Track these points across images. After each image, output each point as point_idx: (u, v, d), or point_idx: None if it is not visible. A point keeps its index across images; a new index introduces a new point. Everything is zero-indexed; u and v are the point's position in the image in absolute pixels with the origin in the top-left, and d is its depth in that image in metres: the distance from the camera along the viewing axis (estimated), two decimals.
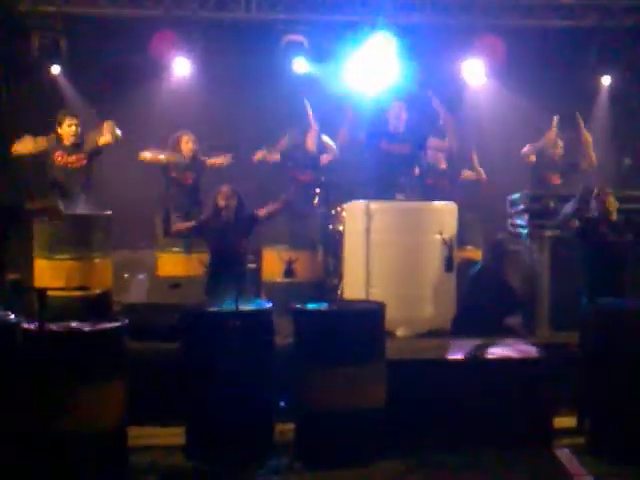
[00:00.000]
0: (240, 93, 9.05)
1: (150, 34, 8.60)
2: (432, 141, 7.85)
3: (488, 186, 8.36)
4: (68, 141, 7.55)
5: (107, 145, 7.57)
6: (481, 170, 8.35)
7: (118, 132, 7.54)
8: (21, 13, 8.44)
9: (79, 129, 7.56)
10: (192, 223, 6.64)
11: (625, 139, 9.50)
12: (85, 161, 7.59)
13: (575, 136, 8.18)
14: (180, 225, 6.69)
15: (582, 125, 8.12)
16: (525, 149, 8.19)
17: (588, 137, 8.14)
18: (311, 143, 8.32)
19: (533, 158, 8.21)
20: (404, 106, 7.70)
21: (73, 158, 7.57)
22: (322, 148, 8.31)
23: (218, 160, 8.12)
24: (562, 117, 8.31)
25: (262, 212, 6.59)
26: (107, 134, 7.47)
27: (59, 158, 7.52)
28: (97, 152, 7.64)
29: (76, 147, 7.56)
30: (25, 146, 7.50)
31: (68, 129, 7.51)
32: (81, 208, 7.29)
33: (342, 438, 5.16)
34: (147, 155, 7.91)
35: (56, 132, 7.56)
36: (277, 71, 9.00)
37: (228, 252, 6.35)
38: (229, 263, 6.29)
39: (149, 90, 8.88)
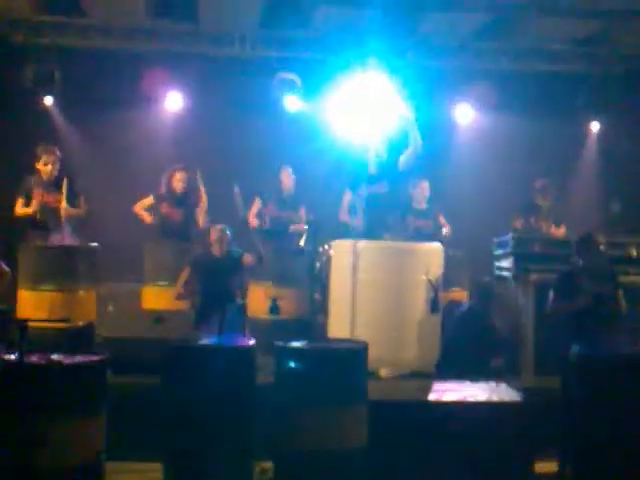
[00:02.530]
0: (233, 129, 9.10)
1: (144, 68, 8.68)
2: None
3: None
4: (46, 177, 7.49)
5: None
6: (447, 228, 8.35)
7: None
8: (16, 44, 8.50)
9: (57, 166, 7.50)
10: (187, 272, 6.76)
11: (613, 185, 9.55)
12: (64, 202, 7.45)
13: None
14: (182, 279, 6.81)
15: None
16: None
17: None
18: (287, 180, 8.34)
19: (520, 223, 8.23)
20: (384, 148, 7.67)
21: (52, 197, 7.49)
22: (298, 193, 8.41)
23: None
24: (551, 161, 8.36)
25: (247, 260, 6.76)
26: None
27: (38, 197, 7.43)
28: (74, 192, 7.56)
29: (55, 184, 7.49)
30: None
31: (45, 167, 7.46)
32: (68, 239, 7.29)
33: (322, 478, 5.07)
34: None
35: (34, 166, 7.49)
36: (270, 108, 9.06)
37: (218, 288, 6.42)
38: (218, 299, 6.33)
39: (142, 124, 8.94)
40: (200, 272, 6.75)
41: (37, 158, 7.50)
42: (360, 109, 8.91)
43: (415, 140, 7.33)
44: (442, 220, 8.38)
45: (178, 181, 8.01)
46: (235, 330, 5.89)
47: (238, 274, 6.88)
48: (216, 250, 6.88)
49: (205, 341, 5.42)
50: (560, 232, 8.14)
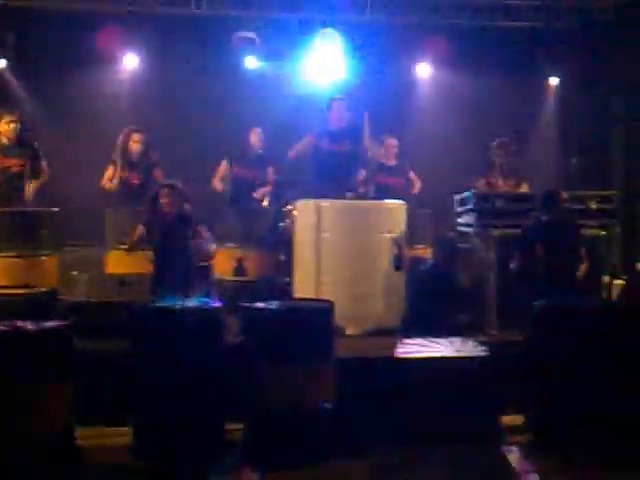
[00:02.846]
0: (191, 89, 9.00)
1: (100, 28, 8.50)
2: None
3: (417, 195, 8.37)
4: (7, 140, 7.32)
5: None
6: (418, 183, 8.36)
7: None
8: None
9: (18, 127, 7.32)
10: (141, 230, 6.61)
11: (572, 139, 9.63)
12: (26, 165, 7.34)
13: None
14: (135, 236, 6.64)
15: None
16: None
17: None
18: (255, 140, 8.27)
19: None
20: (344, 105, 7.70)
21: (13, 162, 7.34)
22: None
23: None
24: (510, 117, 8.38)
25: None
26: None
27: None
28: (36, 155, 7.41)
29: (16, 147, 7.33)
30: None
31: (7, 127, 7.28)
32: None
33: (291, 438, 5.11)
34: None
35: None
36: (229, 68, 8.96)
37: (172, 251, 6.33)
38: (174, 261, 6.26)
39: (98, 86, 8.76)
40: (152, 234, 6.54)
41: None
42: (318, 68, 8.90)
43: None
44: (412, 176, 8.39)
45: (135, 142, 7.85)
46: (201, 292, 5.89)
47: (190, 233, 6.56)
48: (166, 210, 6.51)
49: (172, 303, 5.37)
50: (521, 190, 8.19)
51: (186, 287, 5.88)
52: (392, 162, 8.36)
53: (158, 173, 7.89)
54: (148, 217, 6.56)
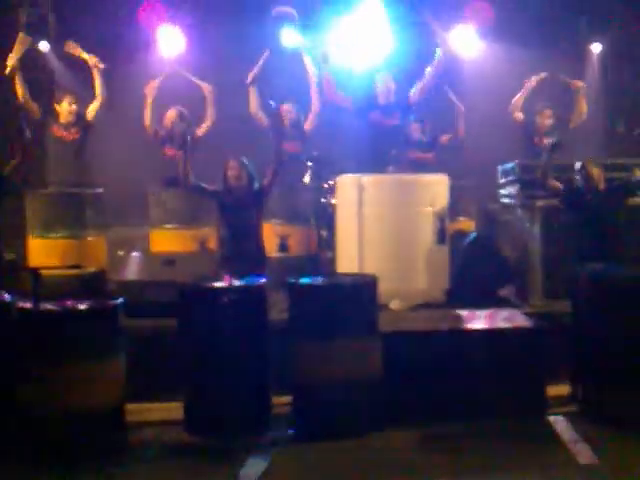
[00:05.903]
0: (230, 65, 8.92)
1: (139, 7, 8.47)
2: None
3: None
4: (65, 119, 7.61)
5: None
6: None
7: None
8: None
9: (77, 107, 7.64)
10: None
11: (615, 106, 9.44)
12: (78, 134, 7.64)
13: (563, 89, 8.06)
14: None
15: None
16: (511, 106, 8.13)
17: (578, 83, 8.10)
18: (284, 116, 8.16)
19: (521, 116, 8.13)
20: (391, 77, 7.62)
21: (69, 131, 7.64)
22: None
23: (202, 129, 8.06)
24: (552, 85, 8.26)
25: (267, 181, 6.45)
26: None
27: (56, 132, 7.60)
28: (89, 125, 7.71)
29: (72, 124, 7.62)
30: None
31: (68, 107, 7.58)
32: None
33: (338, 410, 5.20)
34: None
35: (53, 108, 7.62)
36: (267, 43, 8.88)
37: (243, 228, 6.33)
38: (245, 239, 6.30)
39: (139, 64, 8.73)
40: (220, 210, 6.46)
41: (58, 100, 7.66)
42: (360, 41, 8.78)
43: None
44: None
45: (169, 118, 7.96)
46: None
47: (261, 206, 6.49)
48: (234, 183, 6.35)
49: (217, 282, 5.47)
50: None
51: (257, 265, 5.90)
52: (424, 138, 8.32)
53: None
54: (221, 189, 6.45)
